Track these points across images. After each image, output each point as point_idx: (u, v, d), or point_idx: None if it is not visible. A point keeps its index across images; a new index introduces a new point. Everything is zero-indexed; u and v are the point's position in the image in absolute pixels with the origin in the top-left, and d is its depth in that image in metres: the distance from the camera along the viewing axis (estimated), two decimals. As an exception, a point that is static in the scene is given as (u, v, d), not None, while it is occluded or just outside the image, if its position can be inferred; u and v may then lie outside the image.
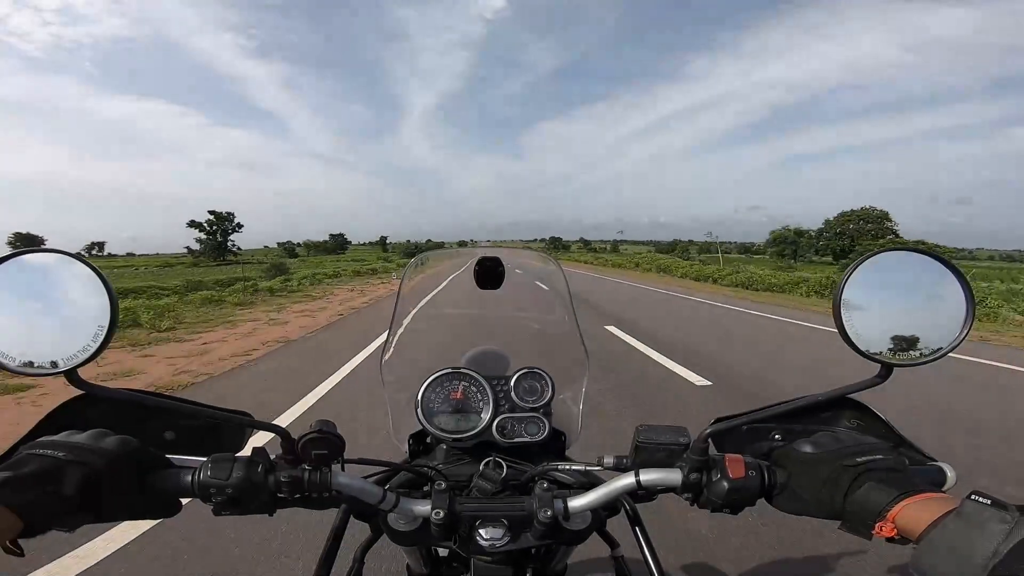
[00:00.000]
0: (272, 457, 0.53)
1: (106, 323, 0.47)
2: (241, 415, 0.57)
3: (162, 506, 0.52)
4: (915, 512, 0.42)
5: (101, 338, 0.47)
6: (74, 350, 0.47)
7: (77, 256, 0.48)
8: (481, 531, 0.57)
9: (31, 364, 0.46)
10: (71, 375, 0.46)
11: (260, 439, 0.56)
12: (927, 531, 0.39)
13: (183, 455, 0.56)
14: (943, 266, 0.50)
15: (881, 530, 0.43)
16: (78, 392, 0.49)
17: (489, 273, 0.88)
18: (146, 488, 0.51)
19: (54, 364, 0.46)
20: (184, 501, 0.54)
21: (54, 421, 0.56)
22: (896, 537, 0.43)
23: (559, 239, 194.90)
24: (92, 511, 0.47)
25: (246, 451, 0.57)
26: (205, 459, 0.52)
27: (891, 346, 0.50)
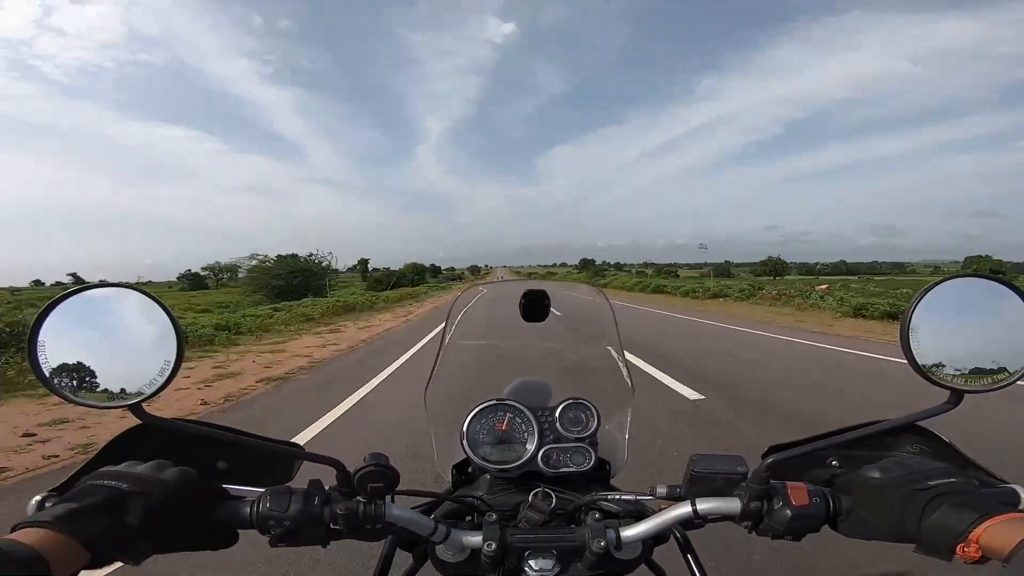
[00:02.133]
0: (326, 489, 0.54)
1: (172, 358, 0.48)
2: (293, 447, 0.57)
3: (221, 537, 0.52)
4: (1002, 532, 0.42)
5: (168, 372, 0.48)
6: (141, 384, 0.48)
7: (144, 292, 0.49)
8: (531, 562, 0.57)
9: (100, 397, 0.47)
10: (136, 408, 0.47)
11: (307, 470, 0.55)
12: (1017, 550, 0.39)
13: (236, 484, 0.56)
14: (1011, 291, 0.49)
15: (964, 551, 0.43)
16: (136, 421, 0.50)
17: (535, 305, 0.88)
18: (205, 519, 0.51)
19: (122, 397, 0.47)
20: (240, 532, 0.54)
21: (113, 451, 0.57)
22: (979, 558, 0.43)
23: (592, 261, 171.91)
24: (155, 542, 0.47)
25: (297, 481, 0.57)
26: (263, 491, 0.53)
27: (961, 373, 0.49)
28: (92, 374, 0.47)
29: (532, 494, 0.64)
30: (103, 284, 0.49)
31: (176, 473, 0.50)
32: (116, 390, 0.47)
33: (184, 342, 0.49)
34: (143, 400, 0.47)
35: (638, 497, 0.63)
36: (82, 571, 0.42)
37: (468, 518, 0.65)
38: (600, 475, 0.77)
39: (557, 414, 0.75)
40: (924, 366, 0.49)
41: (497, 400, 0.76)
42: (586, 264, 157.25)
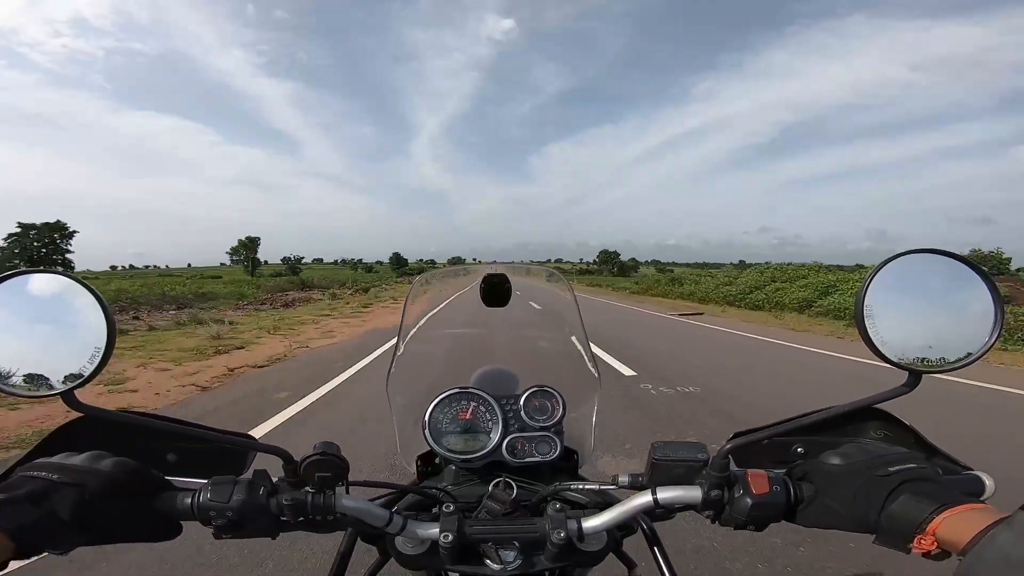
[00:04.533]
0: (275, 480, 0.52)
1: (103, 345, 0.46)
2: (244, 438, 0.56)
3: (161, 529, 0.51)
4: (958, 524, 0.40)
5: (98, 360, 0.46)
6: (71, 372, 0.46)
7: (74, 277, 0.47)
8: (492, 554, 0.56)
9: (28, 386, 0.45)
10: (68, 397, 0.45)
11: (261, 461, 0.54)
12: (973, 543, 0.38)
13: (187, 477, 0.54)
14: (969, 268, 0.48)
15: (920, 543, 0.42)
16: (79, 414, 0.48)
17: (495, 290, 0.87)
18: (144, 510, 0.49)
19: (51, 386, 0.45)
20: (185, 524, 0.52)
21: (53, 443, 0.55)
22: (936, 551, 0.41)
23: (616, 254, 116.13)
24: (87, 533, 0.46)
25: (249, 474, 0.55)
26: (205, 481, 0.51)
27: (918, 353, 0.47)
28: (18, 362, 0.45)
29: (493, 484, 0.63)
30: (37, 270, 0.47)
31: (112, 464, 0.48)
32: (45, 379, 0.46)
33: (115, 328, 0.47)
34: (74, 388, 0.45)
35: (601, 487, 0.61)
36: (11, 561, 0.42)
37: (434, 510, 0.63)
38: (567, 465, 0.75)
39: (522, 402, 0.74)
40: (880, 345, 0.47)
41: (460, 388, 0.75)
42: (608, 258, 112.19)
